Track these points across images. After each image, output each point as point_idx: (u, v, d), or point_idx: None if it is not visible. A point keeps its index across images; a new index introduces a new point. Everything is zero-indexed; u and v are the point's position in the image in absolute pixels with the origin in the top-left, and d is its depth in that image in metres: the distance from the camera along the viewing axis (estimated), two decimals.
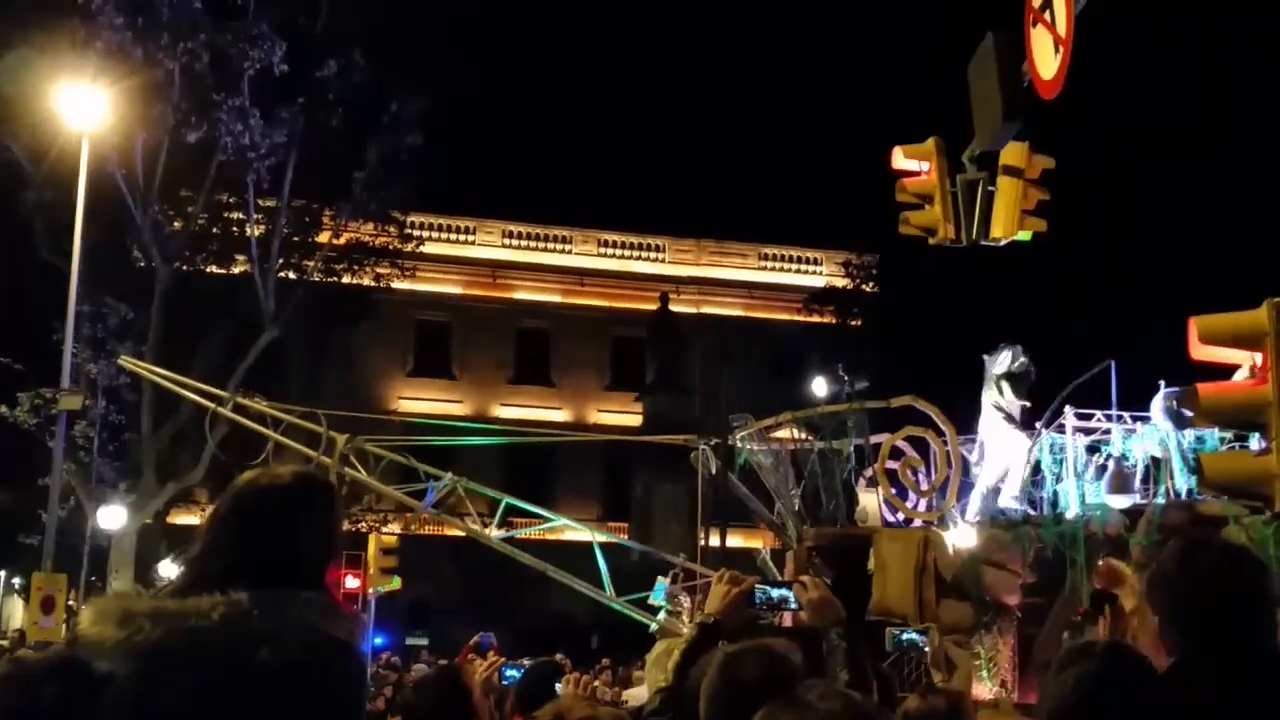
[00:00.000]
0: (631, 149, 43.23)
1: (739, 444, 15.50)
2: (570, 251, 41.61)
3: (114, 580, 24.46)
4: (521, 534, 17.39)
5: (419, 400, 38.53)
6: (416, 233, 33.38)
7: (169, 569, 26.97)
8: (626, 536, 28.77)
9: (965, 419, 14.36)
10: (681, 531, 28.84)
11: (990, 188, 10.46)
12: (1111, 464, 12.96)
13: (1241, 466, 6.83)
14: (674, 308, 39.76)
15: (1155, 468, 13.27)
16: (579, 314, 40.96)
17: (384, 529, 29.60)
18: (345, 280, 30.33)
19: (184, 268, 26.33)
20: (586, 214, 40.41)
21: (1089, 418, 13.65)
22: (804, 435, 15.21)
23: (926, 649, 12.03)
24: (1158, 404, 13.23)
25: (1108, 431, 13.37)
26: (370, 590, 21.57)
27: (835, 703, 1.99)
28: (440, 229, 39.22)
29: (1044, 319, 25.24)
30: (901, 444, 14.38)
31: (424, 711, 4.45)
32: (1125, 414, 13.47)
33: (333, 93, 25.63)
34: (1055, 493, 13.56)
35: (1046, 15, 8.63)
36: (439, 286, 39.27)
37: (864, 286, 34.92)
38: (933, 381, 14.78)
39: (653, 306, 39.66)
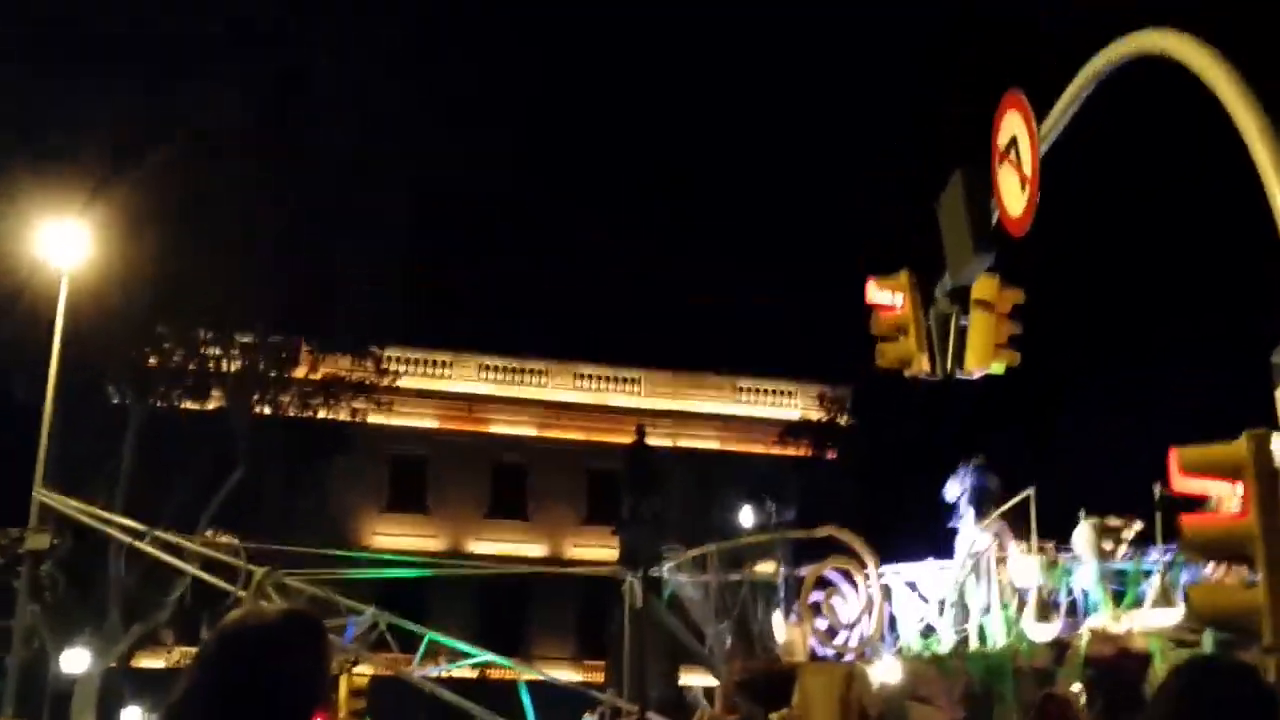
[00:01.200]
0: (606, 284, 43.67)
1: (665, 576, 15.42)
2: (546, 385, 41.68)
3: None
4: (447, 670, 17.16)
5: (393, 536, 38.11)
6: (393, 367, 33.41)
7: (132, 714, 26.30)
8: (604, 675, 28.29)
9: (946, 548, 14.29)
10: (659, 668, 28.43)
11: (963, 321, 10.60)
12: (1032, 595, 12.88)
13: (1229, 600, 6.83)
14: (650, 440, 39.68)
15: (1083, 599, 13.20)
16: (555, 448, 40.85)
17: (354, 670, 29.02)
18: (321, 415, 30.25)
19: (158, 404, 26.22)
20: (563, 346, 40.57)
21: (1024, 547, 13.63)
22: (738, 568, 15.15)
23: None
24: (1080, 534, 13.21)
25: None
26: None
27: None
28: (416, 363, 39.27)
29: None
30: (832, 574, 14.30)
31: None
32: (1050, 544, 13.44)
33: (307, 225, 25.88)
34: (981, 625, 13.45)
35: (1012, 155, 8.86)
36: (415, 421, 39.15)
37: (838, 419, 35.08)
38: (908, 511, 14.75)
39: (629, 439, 39.60)
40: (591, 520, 40.51)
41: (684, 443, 40.96)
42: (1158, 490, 13.14)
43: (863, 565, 14.03)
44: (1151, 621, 12.31)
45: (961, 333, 10.58)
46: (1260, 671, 2.95)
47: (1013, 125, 8.94)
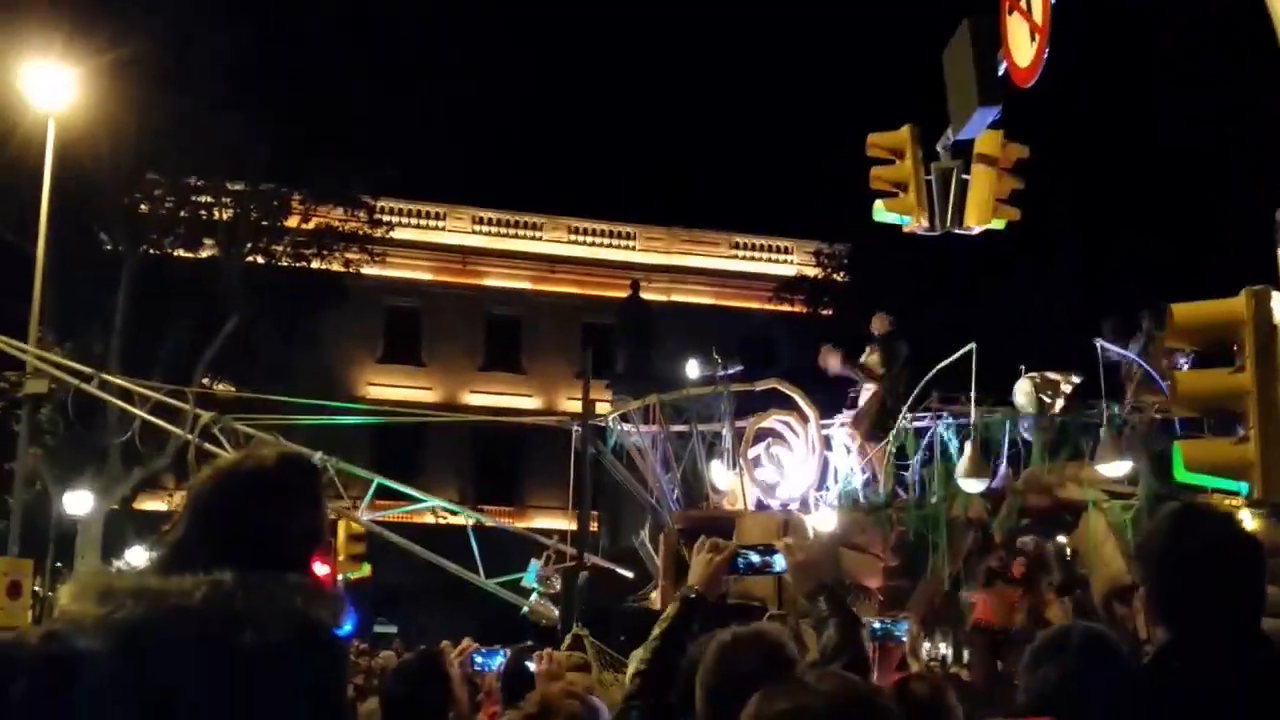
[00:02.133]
0: (604, 138, 43.14)
1: (610, 425, 15.57)
2: (541, 238, 41.49)
3: (80, 566, 24.24)
4: (391, 514, 17.52)
5: (387, 387, 38.33)
6: (386, 218, 33.21)
7: (136, 555, 26.77)
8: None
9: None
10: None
11: (964, 176, 10.52)
12: (968, 447, 13.10)
13: (1221, 454, 6.85)
14: (645, 295, 39.75)
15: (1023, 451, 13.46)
16: (549, 301, 40.87)
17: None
18: (314, 266, 30.15)
19: (151, 252, 26.08)
20: (558, 201, 40.28)
21: (954, 401, 13.79)
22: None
23: (905, 639, 12.13)
24: (1020, 388, 13.44)
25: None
26: (339, 577, 21.50)
27: (832, 684, 1.95)
28: (410, 214, 39.00)
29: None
30: (775, 425, 14.46)
31: (404, 697, 4.43)
32: (987, 397, 13.64)
33: (302, 70, 25.41)
34: (921, 477, 13.65)
35: (1023, 3, 8.66)
36: (409, 273, 39.07)
37: (835, 275, 35.02)
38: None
39: (623, 294, 39.63)
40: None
41: (678, 298, 41.00)
42: (1099, 345, 13.48)
43: (804, 418, 14.15)
44: (1099, 474, 12.54)
45: (963, 188, 10.51)
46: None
47: None
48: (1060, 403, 13.43)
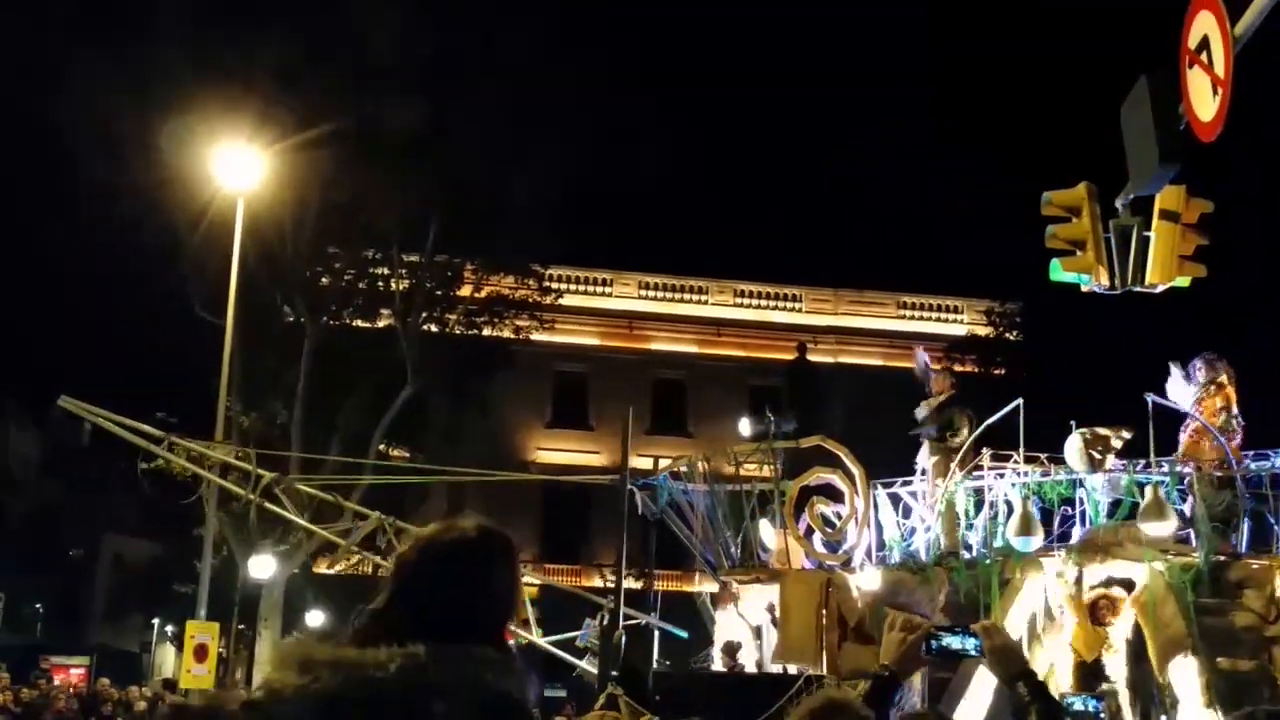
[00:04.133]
0: (767, 200, 43.24)
1: (660, 484, 15.29)
2: (706, 302, 41.65)
3: (263, 629, 25.00)
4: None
5: (556, 451, 38.79)
6: (555, 285, 33.76)
7: (316, 617, 27.51)
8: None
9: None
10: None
11: (1146, 233, 10.18)
12: (1018, 506, 12.56)
13: None
14: (812, 357, 39.46)
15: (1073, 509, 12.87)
16: (715, 364, 40.90)
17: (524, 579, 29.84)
18: (485, 333, 30.80)
19: (331, 322, 27.01)
20: (723, 264, 40.44)
21: (1006, 459, 13.25)
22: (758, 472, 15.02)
23: (1103, 715, 11.59)
24: (1071, 444, 12.81)
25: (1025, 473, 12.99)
26: (511, 641, 21.75)
27: None
28: (578, 281, 39.62)
29: None
30: (821, 483, 14.02)
31: None
32: (1040, 455, 13.08)
33: (472, 146, 26.10)
34: (967, 537, 13.10)
35: (1203, 56, 8.37)
36: (576, 338, 39.60)
37: (1007, 335, 34.21)
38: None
39: (790, 356, 39.41)
40: (753, 436, 40.54)
41: (846, 359, 40.59)
42: (1149, 399, 12.93)
43: (850, 476, 13.74)
44: (1145, 533, 11.97)
45: (1144, 245, 10.19)
46: None
47: (1204, 25, 8.46)
48: (1111, 459, 12.90)
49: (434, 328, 28.74)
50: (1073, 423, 13.15)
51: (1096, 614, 12.33)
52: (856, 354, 40.87)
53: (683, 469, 15.71)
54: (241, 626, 26.58)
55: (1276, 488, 12.39)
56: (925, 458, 14.39)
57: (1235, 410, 13.20)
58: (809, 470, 14.40)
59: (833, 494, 14.15)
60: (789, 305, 41.91)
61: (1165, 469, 12.81)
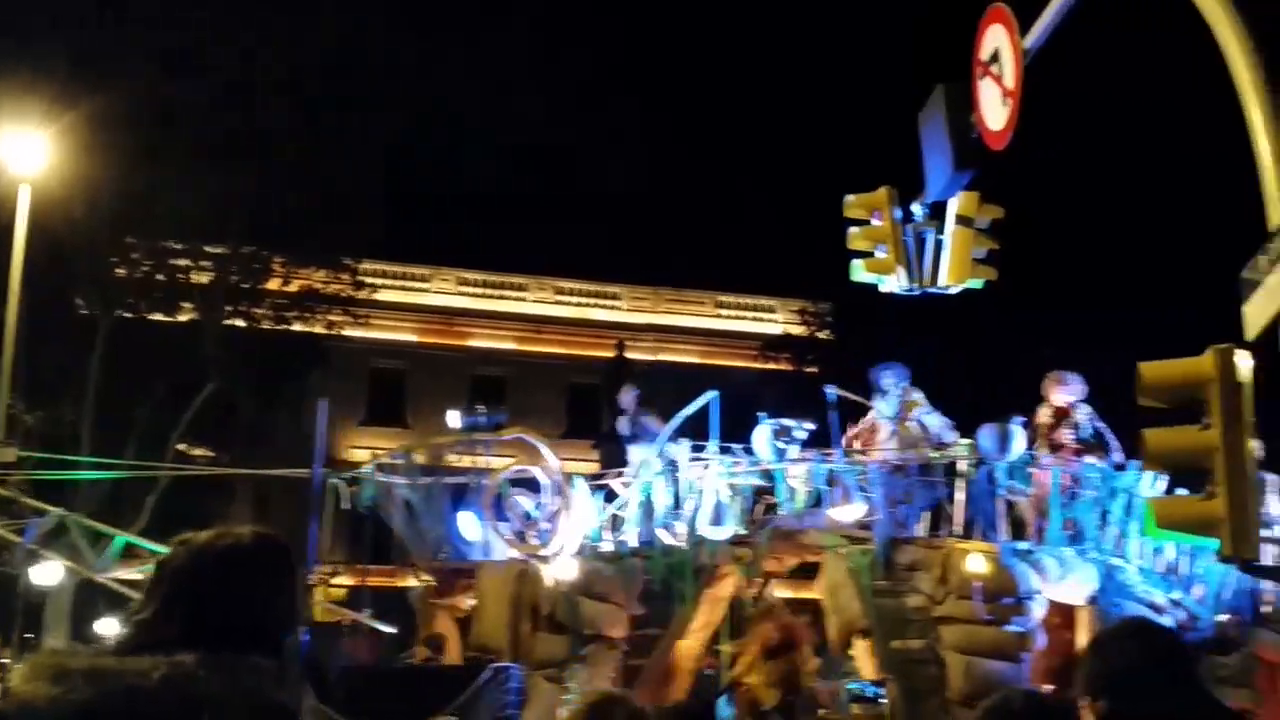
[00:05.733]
0: (588, 198, 43.22)
1: (364, 476, 15.29)
2: (526, 299, 41.50)
3: (49, 638, 23.79)
4: (142, 572, 17.10)
5: (371, 449, 38.07)
6: (370, 280, 33.14)
7: (108, 626, 26.31)
8: None
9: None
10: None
11: (941, 236, 10.49)
12: (711, 497, 13.16)
13: (1190, 511, 6.90)
14: (630, 355, 39.66)
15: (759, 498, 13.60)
16: (536, 361, 40.77)
17: (332, 581, 29.15)
18: (296, 328, 30.02)
19: (127, 316, 25.91)
20: (543, 262, 40.33)
21: (701, 449, 13.83)
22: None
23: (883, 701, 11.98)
24: (758, 434, 13.54)
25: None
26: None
27: None
28: (394, 276, 39.01)
29: None
30: (519, 474, 14.25)
31: None
32: (732, 445, 13.73)
33: (283, 136, 25.39)
34: (668, 524, 13.59)
35: (994, 68, 8.62)
36: (393, 334, 38.96)
37: (819, 334, 35.03)
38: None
39: (609, 354, 39.55)
40: (571, 434, 40.55)
41: (665, 357, 40.93)
42: (831, 392, 13.82)
43: (548, 466, 13.99)
44: (834, 519, 12.76)
45: (939, 248, 10.50)
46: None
47: (996, 37, 8.71)
48: (796, 449, 13.55)
49: (240, 322, 27.84)
50: (760, 414, 13.72)
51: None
52: (675, 352, 41.25)
53: (398, 461, 15.49)
54: (27, 635, 25.23)
55: (949, 475, 13.09)
56: (633, 452, 14.73)
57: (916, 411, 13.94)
58: (509, 463, 14.45)
59: (534, 486, 14.16)
60: (609, 303, 42.09)
61: (847, 460, 13.49)
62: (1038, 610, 12.40)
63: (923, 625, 12.41)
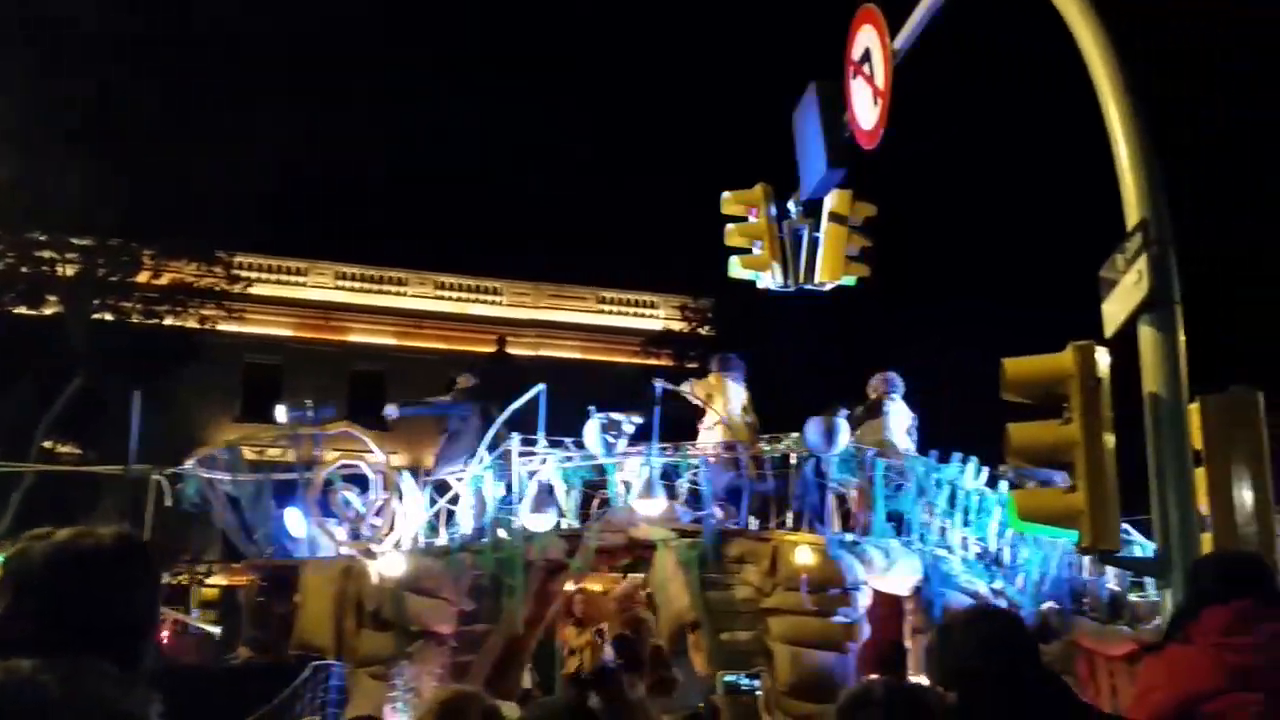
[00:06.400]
0: (469, 193, 42.92)
1: (187, 473, 15.01)
2: (406, 294, 41.06)
3: None
4: None
5: (247, 445, 37.31)
6: (244, 273, 32.48)
7: None
8: None
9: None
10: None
11: (816, 234, 10.66)
12: (534, 486, 13.37)
13: (1052, 504, 7.06)
14: (512, 350, 39.49)
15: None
16: (416, 356, 40.34)
17: (207, 580, 28.53)
18: (168, 323, 29.30)
19: None
20: (423, 257, 39.94)
21: (532, 443, 14.02)
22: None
23: (759, 693, 12.13)
24: (590, 428, 13.84)
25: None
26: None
27: None
28: (269, 269, 38.28)
29: None
30: (346, 469, 14.19)
31: None
32: (564, 439, 13.96)
33: (154, 127, 24.78)
34: (501, 519, 13.72)
35: (866, 68, 8.79)
36: (269, 329, 38.22)
37: (700, 330, 35.27)
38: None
39: (490, 349, 39.35)
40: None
41: (546, 353, 40.84)
42: (659, 385, 13.97)
43: (374, 460, 14.00)
44: (642, 511, 13.05)
45: (814, 245, 10.65)
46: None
47: (866, 38, 8.89)
48: (624, 442, 13.76)
49: (109, 316, 27.07)
50: (591, 408, 13.85)
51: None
52: (556, 347, 41.18)
53: (222, 456, 15.12)
54: None
55: (781, 468, 13.30)
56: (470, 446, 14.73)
57: (734, 406, 14.20)
58: (335, 458, 14.28)
59: (361, 481, 14.02)
60: (489, 298, 41.85)
61: (675, 452, 13.57)
62: (864, 601, 12.64)
63: (751, 617, 12.48)
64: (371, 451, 13.86)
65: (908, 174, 24.78)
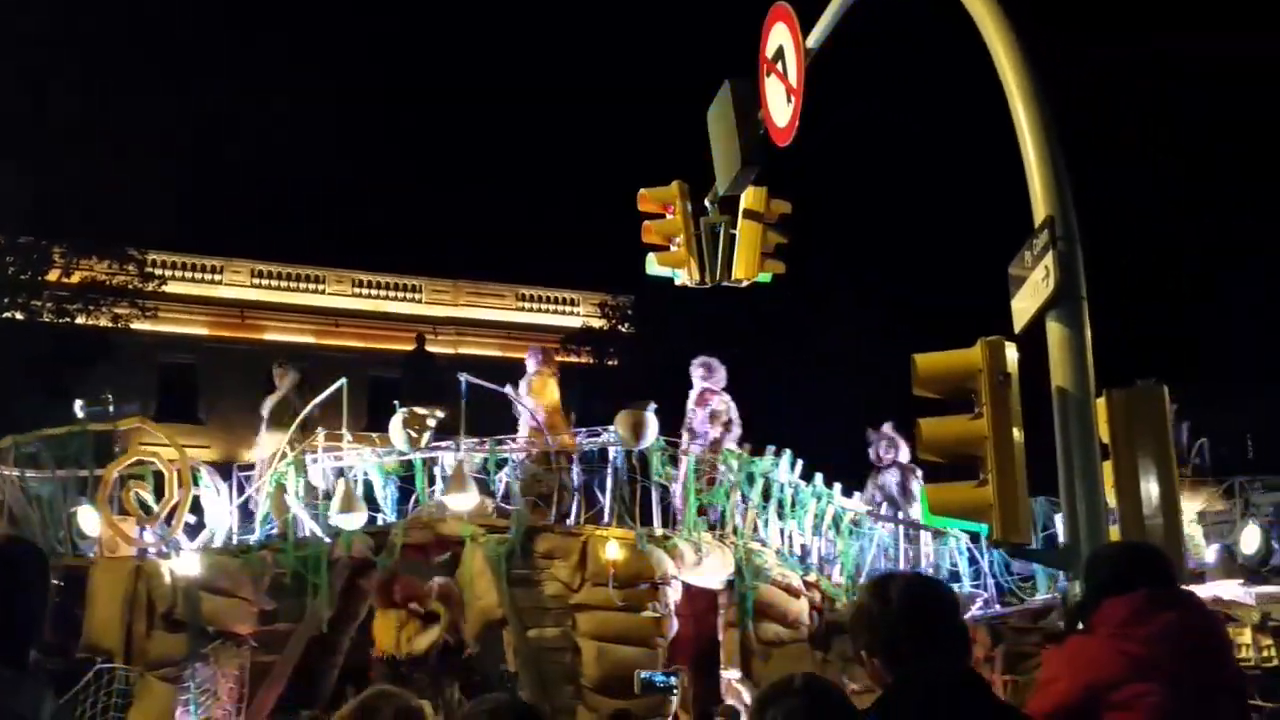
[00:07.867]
0: (386, 190, 42.54)
1: None
2: (323, 291, 40.60)
3: None
4: None
5: (163, 446, 36.71)
6: (157, 271, 31.90)
7: None
8: None
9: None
10: None
11: (732, 231, 10.68)
12: (340, 484, 13.34)
13: (963, 497, 7.15)
14: (431, 348, 39.19)
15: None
16: (334, 354, 39.89)
17: None
18: (79, 321, 28.71)
19: None
20: (340, 254, 39.52)
21: (339, 439, 14.03)
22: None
23: (675, 693, 12.12)
24: (395, 423, 13.91)
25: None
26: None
27: None
28: (184, 267, 37.63)
29: None
30: (153, 464, 13.94)
31: None
32: (373, 435, 14.03)
33: (65, 124, 24.27)
34: (296, 518, 13.68)
35: (779, 66, 8.84)
36: (184, 328, 37.59)
37: (620, 327, 35.30)
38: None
39: (409, 347, 39.04)
40: (373, 427, 39.84)
41: (466, 350, 40.61)
42: (464, 380, 14.18)
43: (170, 457, 13.86)
44: (452, 506, 13.10)
45: (730, 242, 10.67)
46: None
47: (780, 36, 8.93)
48: (427, 437, 13.77)
49: (19, 315, 26.46)
50: (395, 402, 13.85)
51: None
52: (476, 345, 40.98)
53: (27, 450, 14.66)
54: None
55: (603, 463, 13.32)
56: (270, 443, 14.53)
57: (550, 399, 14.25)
58: (125, 455, 14.04)
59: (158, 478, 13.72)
60: (408, 296, 41.56)
61: (486, 447, 13.68)
62: (674, 596, 12.53)
63: (559, 613, 12.47)
64: (167, 448, 13.53)
65: (821, 169, 25.01)
